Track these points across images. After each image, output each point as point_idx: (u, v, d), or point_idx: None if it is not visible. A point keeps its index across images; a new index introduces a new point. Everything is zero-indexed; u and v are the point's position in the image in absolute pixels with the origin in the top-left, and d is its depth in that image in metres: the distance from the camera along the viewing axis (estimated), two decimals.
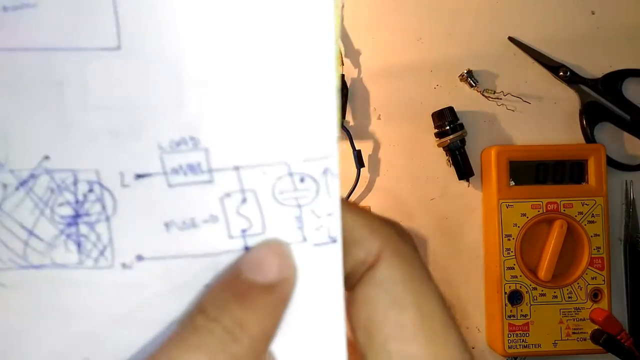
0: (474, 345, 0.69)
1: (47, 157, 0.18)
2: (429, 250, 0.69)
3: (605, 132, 0.69)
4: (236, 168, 0.18)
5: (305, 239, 0.19)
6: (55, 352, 0.19)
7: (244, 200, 0.18)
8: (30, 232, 0.18)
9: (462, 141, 0.67)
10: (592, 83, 0.68)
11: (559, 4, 0.69)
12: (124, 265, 0.19)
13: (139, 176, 0.18)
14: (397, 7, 0.68)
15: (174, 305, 0.19)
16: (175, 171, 0.18)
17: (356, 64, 0.68)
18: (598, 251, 0.65)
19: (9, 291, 0.19)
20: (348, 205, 0.19)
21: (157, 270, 0.19)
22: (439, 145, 0.67)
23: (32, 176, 0.18)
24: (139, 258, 0.19)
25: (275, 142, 0.18)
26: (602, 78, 0.68)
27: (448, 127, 0.66)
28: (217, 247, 0.19)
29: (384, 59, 0.68)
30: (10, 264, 0.18)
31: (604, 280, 0.65)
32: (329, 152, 0.18)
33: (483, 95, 0.67)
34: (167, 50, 0.18)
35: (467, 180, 0.68)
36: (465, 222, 0.69)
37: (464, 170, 0.67)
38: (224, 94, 0.18)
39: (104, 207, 0.18)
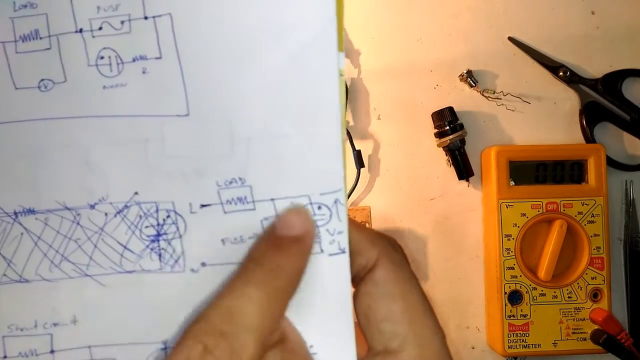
0: (474, 345, 0.76)
1: (136, 193, 0.30)
2: (428, 250, 0.76)
3: (605, 132, 0.77)
4: (272, 199, 0.30)
5: (322, 251, 0.30)
6: (138, 332, 0.30)
7: None
8: (125, 247, 0.30)
9: (462, 141, 0.74)
10: (592, 83, 0.75)
11: (559, 4, 0.76)
12: (192, 270, 0.30)
13: (203, 206, 0.30)
14: (397, 7, 0.76)
15: None
16: (229, 202, 0.30)
17: (356, 64, 0.75)
18: (598, 251, 0.72)
19: (108, 289, 0.30)
20: (353, 223, 0.31)
21: (216, 273, 0.30)
22: (439, 145, 0.75)
23: (126, 206, 0.30)
24: (203, 264, 0.30)
25: (299, 181, 0.30)
26: (602, 78, 0.76)
27: (448, 127, 0.74)
28: None
29: (384, 59, 0.76)
30: (110, 270, 0.30)
31: (603, 280, 0.72)
32: (338, 188, 0.30)
33: (483, 95, 0.75)
34: (222, 116, 0.29)
35: (467, 180, 0.76)
36: (465, 222, 0.77)
37: (464, 170, 0.75)
38: (262, 146, 0.29)
39: (177, 228, 0.30)
